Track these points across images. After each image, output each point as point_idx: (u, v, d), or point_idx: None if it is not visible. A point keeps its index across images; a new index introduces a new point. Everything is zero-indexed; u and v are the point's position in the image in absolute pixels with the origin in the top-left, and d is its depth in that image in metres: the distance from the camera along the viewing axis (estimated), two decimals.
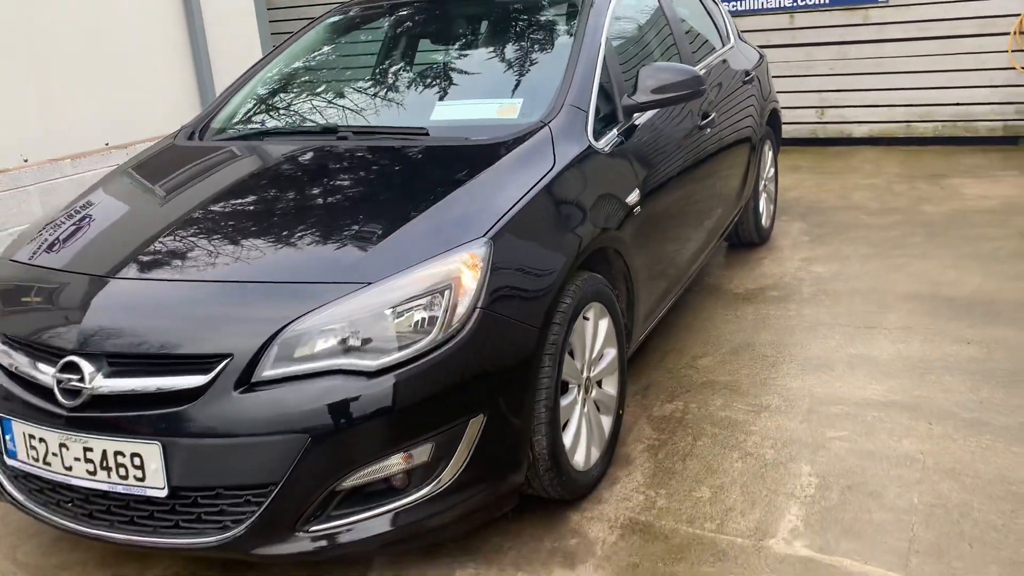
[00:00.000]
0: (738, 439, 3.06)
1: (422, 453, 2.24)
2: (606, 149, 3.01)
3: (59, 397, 2.25)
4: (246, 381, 2.14)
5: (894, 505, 2.61)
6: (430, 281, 2.24)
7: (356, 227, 2.46)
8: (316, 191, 2.75)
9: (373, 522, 2.24)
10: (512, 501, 2.50)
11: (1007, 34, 7.10)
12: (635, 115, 3.27)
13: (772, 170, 5.39)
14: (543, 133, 2.83)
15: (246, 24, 8.58)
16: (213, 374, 2.15)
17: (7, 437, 2.40)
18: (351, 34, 3.94)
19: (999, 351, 3.56)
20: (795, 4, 7.68)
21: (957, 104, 7.45)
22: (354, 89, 3.54)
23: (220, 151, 3.20)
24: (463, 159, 2.75)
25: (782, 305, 4.29)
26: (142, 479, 2.20)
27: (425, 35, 3.75)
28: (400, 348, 2.18)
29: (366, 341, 2.17)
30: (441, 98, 3.28)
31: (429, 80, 3.48)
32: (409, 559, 2.54)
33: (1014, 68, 7.16)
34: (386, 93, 3.45)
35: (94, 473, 2.24)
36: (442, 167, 2.74)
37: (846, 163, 7.28)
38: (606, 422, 2.88)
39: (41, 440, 2.31)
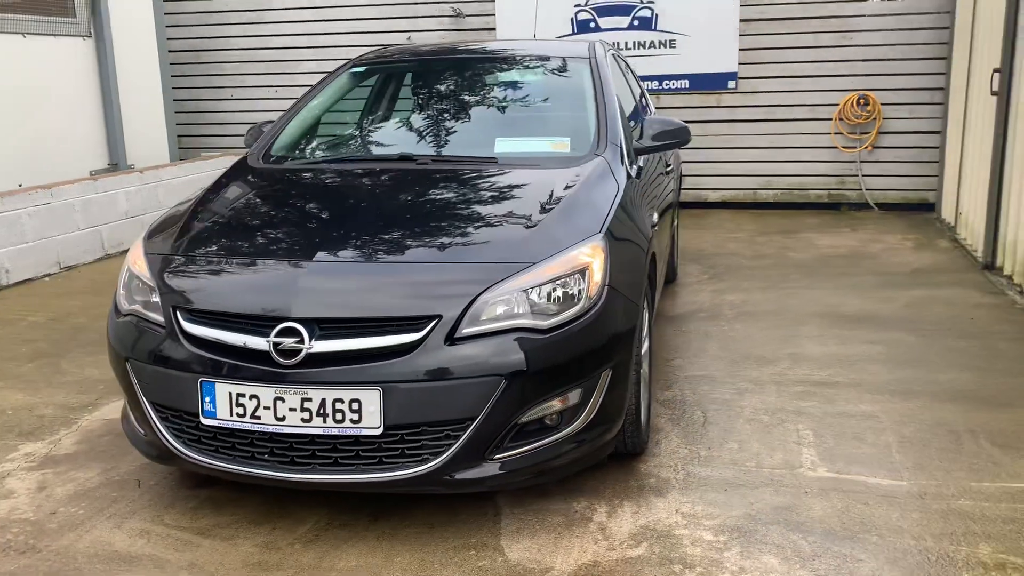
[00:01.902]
0: (736, 411, 3.86)
1: (573, 397, 2.85)
2: (635, 177, 3.79)
3: (276, 358, 2.68)
4: (451, 336, 2.68)
5: (875, 442, 3.49)
6: (571, 264, 2.89)
7: (506, 223, 3.07)
8: (447, 197, 3.34)
9: (535, 453, 2.81)
10: (610, 448, 3.13)
11: (830, 119, 8.71)
12: (640, 156, 4.10)
13: (677, 220, 6.42)
14: (600, 162, 3.57)
15: (151, 78, 8.78)
16: (425, 332, 2.68)
17: (206, 399, 2.75)
18: (376, 80, 4.52)
19: (897, 347, 4.64)
20: (661, 87, 8.96)
21: (792, 175, 8.96)
22: (407, 126, 4.13)
23: (323, 170, 3.70)
24: (552, 178, 3.42)
25: (715, 323, 5.21)
26: (358, 421, 2.65)
27: (447, 84, 4.40)
28: (559, 313, 2.80)
29: (535, 306, 2.78)
30: (491, 136, 3.95)
31: (470, 120, 4.14)
32: (528, 499, 3.10)
33: (836, 147, 8.77)
34: (439, 131, 4.06)
35: (309, 420, 2.67)
36: (541, 183, 3.39)
37: (708, 221, 8.53)
38: (644, 395, 3.59)
39: (252, 397, 2.70)
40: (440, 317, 2.70)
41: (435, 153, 3.75)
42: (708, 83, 8.88)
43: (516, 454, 2.78)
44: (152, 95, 8.99)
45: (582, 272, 2.89)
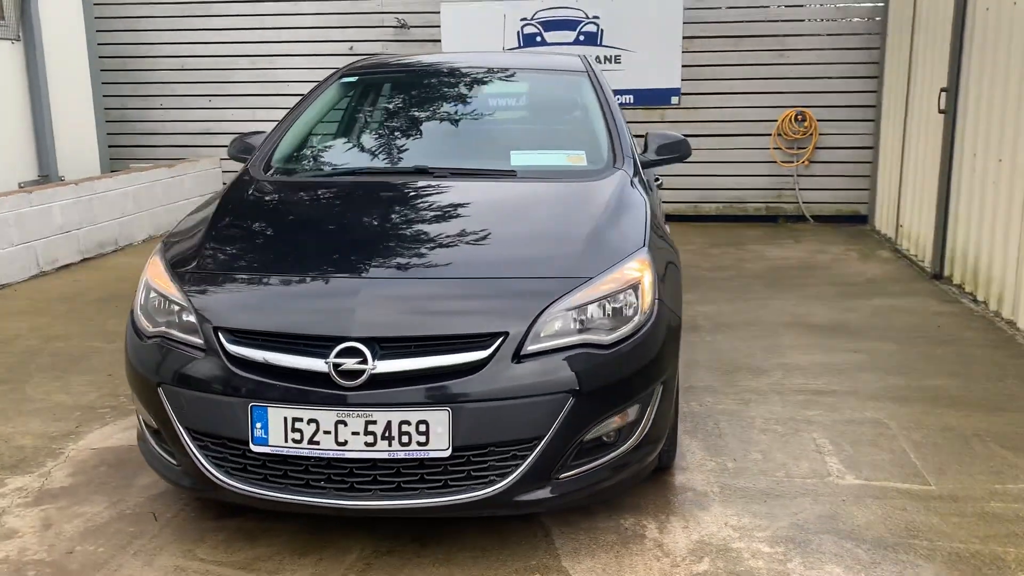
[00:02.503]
0: (747, 421, 3.91)
1: (632, 412, 2.82)
2: (652, 190, 3.80)
3: (337, 380, 2.55)
4: (517, 354, 2.62)
5: (891, 448, 3.59)
6: (624, 279, 2.87)
7: (552, 238, 3.02)
8: (482, 210, 3.26)
9: (594, 472, 2.76)
10: (653, 465, 3.11)
11: (769, 134, 8.99)
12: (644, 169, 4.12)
13: None
14: (622, 176, 3.56)
15: (81, 85, 8.38)
16: (492, 349, 2.60)
17: (257, 425, 2.60)
18: (369, 90, 4.40)
19: (878, 355, 4.79)
20: None
21: (733, 189, 9.20)
22: (412, 138, 4.03)
23: (339, 183, 3.57)
24: (582, 192, 3.39)
25: (696, 334, 5.27)
26: (425, 444, 2.55)
27: (447, 97, 4.32)
28: (617, 328, 2.77)
29: (594, 322, 2.74)
30: (501, 148, 3.89)
31: (476, 133, 4.07)
32: (573, 518, 3.05)
33: (774, 161, 9.05)
34: (446, 143, 3.98)
35: (373, 444, 2.55)
36: (573, 197, 3.35)
37: None
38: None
39: (311, 421, 2.56)
40: (507, 334, 2.63)
41: (449, 166, 3.66)
42: (652, 98, 9.04)
43: (577, 473, 2.73)
44: (82, 103, 8.56)
45: (634, 287, 2.87)
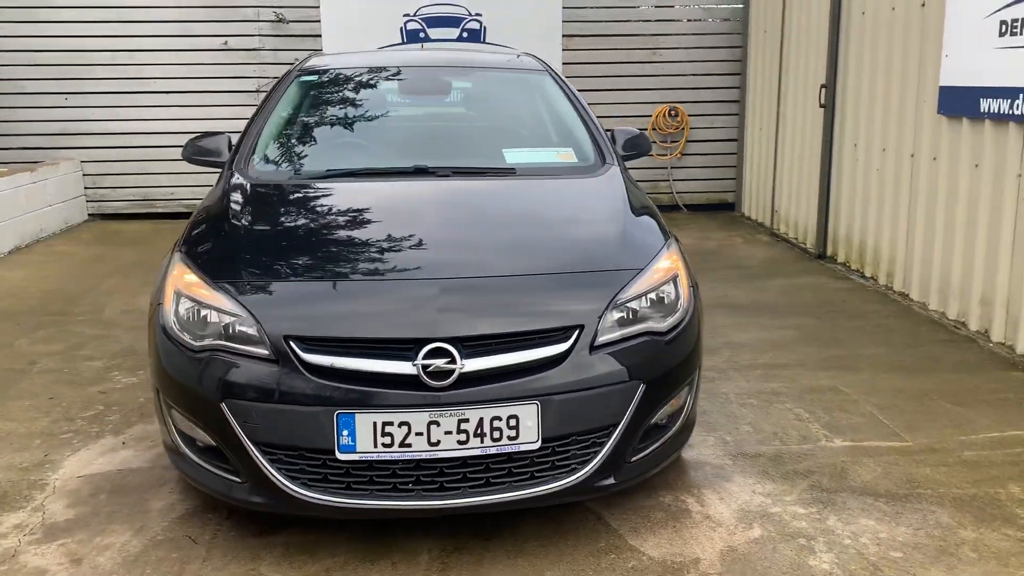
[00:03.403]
0: (722, 398, 4.19)
1: (681, 397, 2.99)
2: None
3: (427, 381, 2.55)
4: (592, 345, 2.72)
5: (860, 412, 3.97)
6: (667, 270, 3.03)
7: (591, 232, 3.14)
8: (511, 207, 3.32)
9: (652, 455, 2.92)
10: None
11: (645, 129, 9.45)
12: None
13: None
14: (616, 171, 3.73)
15: None
16: (571, 342, 2.69)
17: (344, 432, 2.55)
18: (342, 89, 4.31)
19: (808, 330, 5.24)
20: None
21: None
22: (394, 138, 4.00)
23: (346, 186, 3.50)
24: (591, 188, 3.52)
25: None
26: (515, 438, 2.60)
27: (415, 95, 4.31)
28: (667, 316, 2.93)
29: (649, 311, 2.89)
30: (485, 146, 3.95)
31: (458, 131, 4.10)
32: (613, 500, 3.18)
33: (650, 155, 9.51)
34: (430, 142, 3.98)
35: (466, 442, 2.57)
36: (587, 193, 3.47)
37: None
38: None
39: (402, 424, 2.55)
40: (582, 327, 2.73)
41: (447, 165, 3.67)
42: None
43: (642, 457, 2.88)
44: None
45: (675, 278, 3.04)
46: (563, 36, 9.18)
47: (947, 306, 5.36)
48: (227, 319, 2.72)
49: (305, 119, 4.08)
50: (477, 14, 9.03)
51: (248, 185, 3.47)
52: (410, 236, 3.06)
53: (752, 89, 8.98)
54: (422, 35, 9.03)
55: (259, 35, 8.98)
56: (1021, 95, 4.53)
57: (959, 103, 5.11)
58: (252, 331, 2.68)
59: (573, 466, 2.71)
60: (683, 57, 9.40)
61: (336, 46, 8.94)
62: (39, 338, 5.25)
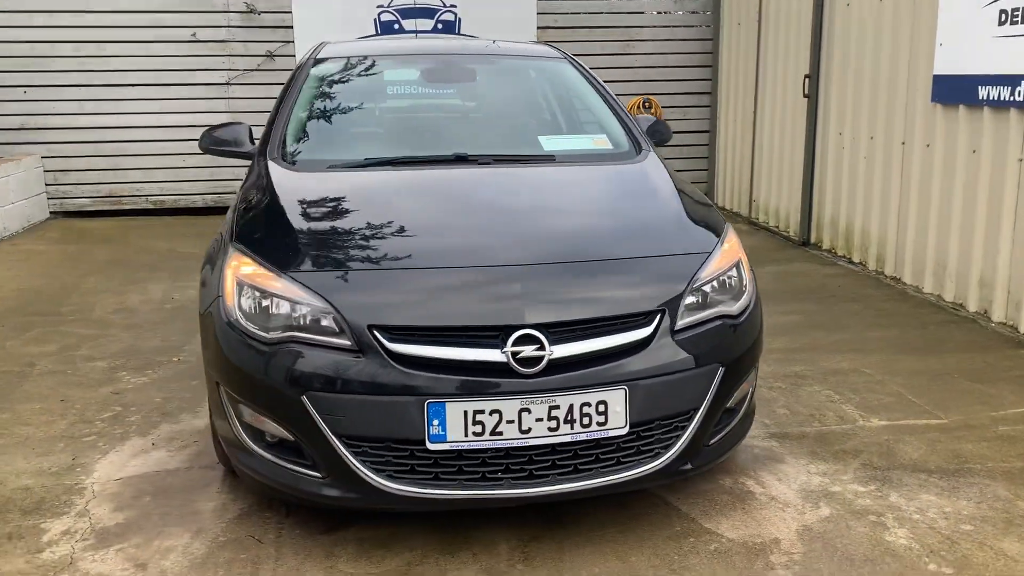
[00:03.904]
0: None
1: (750, 381, 3.01)
2: None
3: (517, 368, 2.51)
4: (673, 329, 2.71)
5: (887, 392, 4.05)
6: (731, 254, 3.03)
7: (656, 218, 3.13)
8: (571, 194, 3.30)
9: (726, 437, 2.93)
10: None
11: None
12: None
13: None
14: (654, 157, 3.72)
15: None
16: (654, 326, 2.68)
17: (434, 422, 2.50)
18: (362, 77, 4.21)
19: (812, 315, 5.33)
20: None
21: None
22: (427, 126, 3.93)
23: (395, 174, 3.42)
24: (637, 173, 3.51)
25: None
26: (604, 424, 2.58)
27: (440, 84, 4.24)
28: (736, 299, 2.94)
29: (720, 295, 2.89)
30: (520, 133, 3.91)
31: (489, 119, 4.05)
32: (678, 486, 3.17)
33: None
34: (463, 130, 3.92)
35: (556, 429, 2.54)
36: (632, 178, 3.47)
37: None
38: None
39: (493, 412, 2.50)
40: (664, 311, 2.72)
41: (487, 152, 3.62)
42: None
43: (717, 440, 2.88)
44: None
45: (738, 263, 3.05)
46: (537, 28, 9.16)
47: (943, 289, 5.51)
48: (303, 310, 2.64)
49: (332, 108, 3.97)
50: (452, 5, 8.95)
51: (292, 174, 3.37)
52: (475, 223, 3.01)
53: (725, 80, 9.09)
54: (396, 26, 8.92)
55: (228, 26, 8.75)
56: (1023, 82, 4.67)
57: (955, 91, 5.25)
58: (332, 322, 2.60)
59: (657, 451, 2.70)
60: (656, 49, 9.47)
61: (308, 38, 8.73)
62: (30, 339, 5.03)
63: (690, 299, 2.79)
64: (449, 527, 2.88)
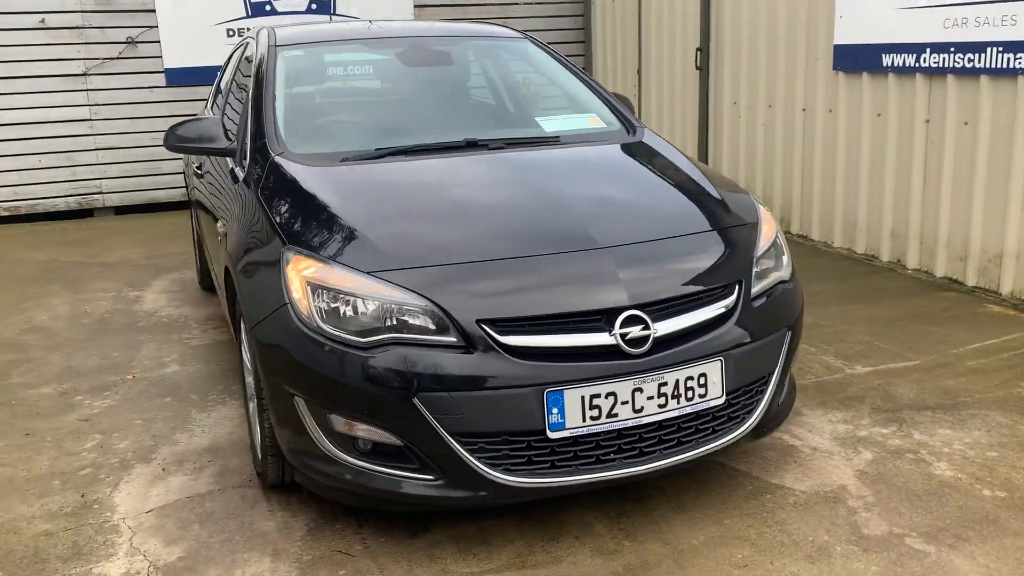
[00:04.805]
0: None
1: (797, 344, 3.17)
2: None
3: (627, 349, 2.54)
4: (749, 297, 2.82)
5: (856, 340, 4.38)
6: (770, 223, 3.17)
7: (692, 194, 3.20)
8: (603, 174, 3.33)
9: (787, 399, 3.07)
10: None
11: None
12: None
13: None
14: (650, 132, 3.81)
15: None
16: (735, 296, 2.78)
17: (553, 410, 2.48)
18: (320, 64, 4.02)
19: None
20: None
21: None
22: (419, 112, 3.81)
23: (422, 163, 3.31)
24: (649, 151, 3.58)
25: None
26: (704, 395, 2.66)
27: (413, 69, 4.11)
28: (785, 266, 3.09)
29: (772, 262, 3.03)
30: (522, 116, 3.89)
31: (476, 104, 3.98)
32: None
33: None
34: (457, 115, 3.84)
35: (665, 405, 2.60)
36: (648, 154, 3.53)
37: None
38: None
39: (609, 395, 2.52)
40: (742, 280, 2.82)
41: (495, 137, 3.57)
42: None
43: (782, 402, 3.02)
44: None
45: (777, 229, 3.20)
46: (415, 6, 9.01)
47: (854, 243, 5.99)
48: (400, 310, 2.53)
49: (318, 99, 3.78)
50: None
51: (315, 170, 3.18)
52: (536, 209, 2.97)
53: (600, 57, 9.33)
54: (268, 7, 8.50)
55: (82, 11, 8.00)
56: (928, 49, 5.14)
57: (858, 60, 5.69)
58: (435, 319, 2.51)
59: (742, 416, 2.81)
60: (532, 26, 9.55)
61: (173, 22, 8.21)
62: None
63: (757, 267, 2.91)
64: (533, 516, 2.87)
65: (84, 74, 8.09)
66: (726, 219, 3.06)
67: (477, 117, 3.91)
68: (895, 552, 2.62)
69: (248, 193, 3.26)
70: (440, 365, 2.48)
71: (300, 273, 2.67)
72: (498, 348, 2.49)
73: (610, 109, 3.96)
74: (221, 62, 8.40)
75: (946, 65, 5.05)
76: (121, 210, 8.54)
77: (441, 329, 2.51)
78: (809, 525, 2.78)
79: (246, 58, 4.30)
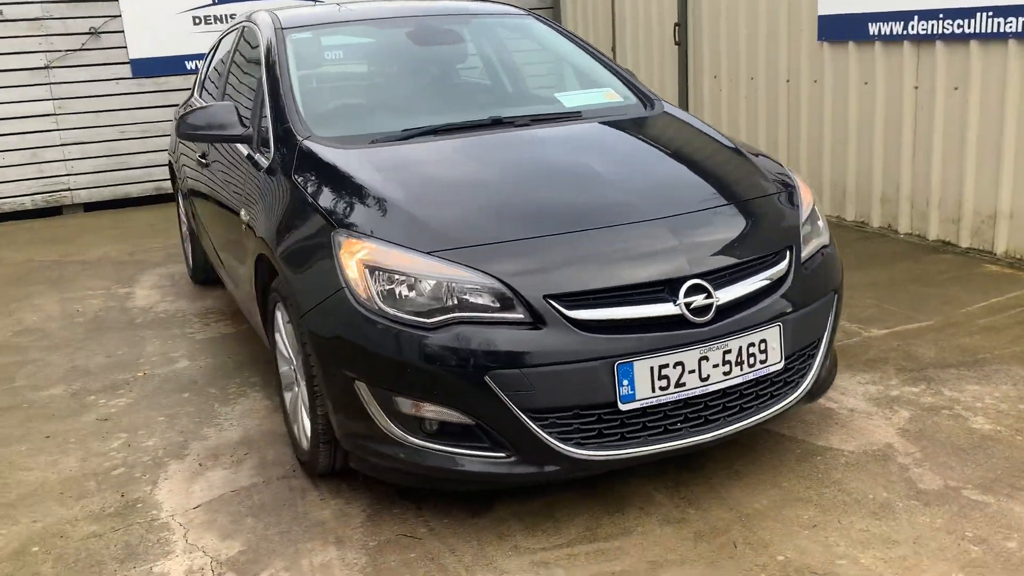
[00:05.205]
0: None
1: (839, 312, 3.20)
2: None
3: (691, 318, 2.55)
4: (800, 262, 2.86)
5: (865, 304, 4.46)
6: (805, 186, 3.21)
7: (731, 161, 3.22)
8: (637, 146, 3.35)
9: (832, 362, 3.10)
10: None
11: None
12: None
13: None
14: (668, 105, 3.82)
15: None
16: (786, 262, 2.81)
17: (624, 382, 2.48)
18: (340, 46, 3.94)
19: None
20: None
21: None
22: (437, 92, 3.76)
23: (456, 143, 3.26)
24: (674, 123, 3.59)
25: None
26: (765, 361, 2.69)
27: (421, 47, 4.04)
28: (823, 232, 3.11)
29: (811, 226, 3.06)
30: (539, 92, 3.86)
31: (491, 80, 3.94)
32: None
33: None
34: (486, 93, 3.81)
35: (729, 373, 2.62)
36: (674, 127, 3.54)
37: None
38: None
39: (677, 364, 2.53)
40: (792, 246, 2.85)
41: (520, 114, 3.54)
42: None
43: (828, 366, 3.05)
44: None
45: (812, 195, 3.24)
46: None
47: (843, 210, 6.09)
48: (465, 288, 2.50)
49: (333, 81, 3.71)
50: None
51: (352, 152, 3.12)
52: (580, 182, 2.95)
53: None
54: None
55: (41, 2, 7.72)
56: (916, 17, 5.23)
57: (844, 29, 5.77)
58: (501, 297, 2.49)
59: (796, 380, 2.85)
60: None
61: (136, 12, 8.00)
62: None
63: (803, 232, 2.94)
64: (592, 491, 2.88)
65: (46, 67, 7.82)
66: (769, 186, 3.08)
67: (495, 95, 3.88)
68: (955, 504, 2.69)
69: (279, 179, 3.19)
70: (511, 342, 2.46)
71: (355, 256, 2.62)
72: (567, 323, 2.48)
73: (623, 83, 3.95)
74: (188, 51, 8.31)
75: (935, 32, 5.14)
76: (91, 207, 8.31)
77: (506, 306, 2.49)
78: (866, 483, 2.84)
79: (247, 43, 4.20)
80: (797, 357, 2.83)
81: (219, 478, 3.18)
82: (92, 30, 7.90)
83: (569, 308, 2.50)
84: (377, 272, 2.57)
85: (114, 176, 8.28)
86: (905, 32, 5.32)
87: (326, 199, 2.90)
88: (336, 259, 2.66)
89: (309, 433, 2.97)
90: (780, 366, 2.73)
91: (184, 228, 5.81)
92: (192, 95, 5.48)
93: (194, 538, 2.80)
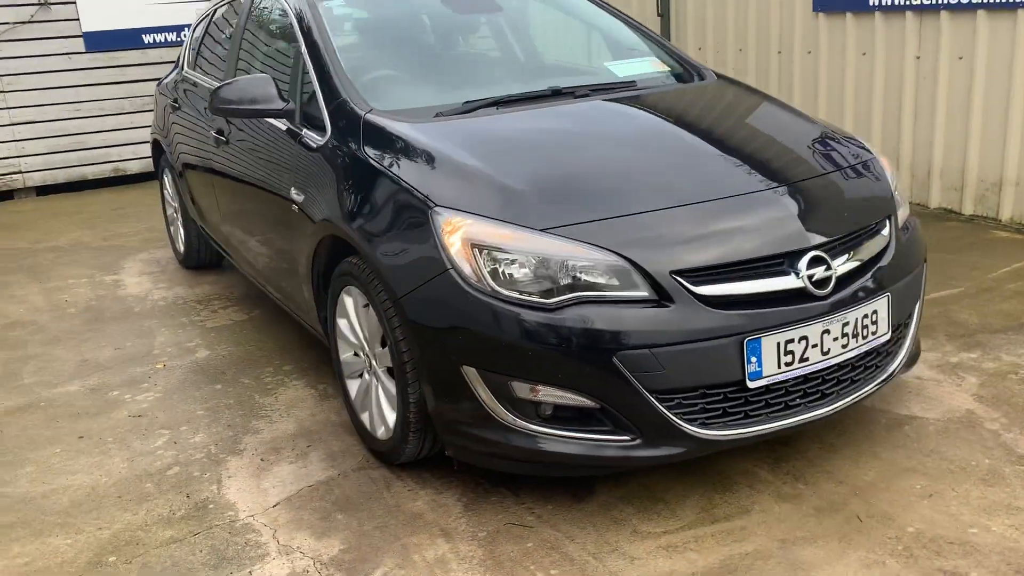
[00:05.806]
0: None
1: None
2: None
3: (813, 291, 2.50)
4: (899, 232, 2.83)
5: None
6: (885, 160, 3.18)
7: (809, 131, 3.17)
8: (712, 118, 3.25)
9: (916, 334, 3.10)
10: None
11: None
12: None
13: None
14: (716, 74, 3.75)
15: None
16: (887, 230, 2.78)
17: (752, 359, 2.41)
18: (380, 21, 3.74)
19: None
20: None
21: None
22: (489, 62, 3.61)
23: (531, 115, 3.13)
24: (733, 92, 3.52)
25: None
26: (876, 332, 2.66)
27: (464, 17, 3.88)
28: (904, 203, 3.09)
29: (901, 199, 3.04)
30: (587, 61, 3.75)
31: (536, 50, 3.81)
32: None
33: None
34: (535, 62, 3.67)
35: (847, 345, 2.58)
36: (734, 95, 3.48)
37: None
38: None
39: (801, 339, 2.48)
40: (890, 216, 2.82)
41: (575, 84, 3.41)
42: None
43: (915, 335, 3.04)
44: None
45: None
46: None
47: None
48: (586, 266, 2.39)
49: (374, 51, 3.51)
50: None
51: (424, 126, 2.96)
52: (676, 154, 2.86)
53: None
54: None
55: None
56: None
57: (841, 0, 5.79)
58: (618, 274, 2.38)
59: (895, 351, 2.83)
60: None
61: None
62: None
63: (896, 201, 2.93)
64: (692, 471, 2.81)
65: None
66: (856, 155, 3.04)
67: (546, 63, 3.74)
68: None
69: (344, 156, 3.00)
70: (640, 321, 2.36)
71: (459, 235, 2.48)
72: (695, 299, 2.40)
73: (665, 51, 3.86)
74: (145, 24, 7.86)
75: (939, 2, 5.20)
76: (44, 190, 7.83)
77: (628, 284, 2.39)
78: (964, 451, 2.85)
79: (272, 11, 3.94)
80: (897, 327, 2.81)
81: (288, 473, 3.00)
82: (42, 1, 7.40)
83: (695, 284, 2.41)
84: (486, 251, 2.44)
85: (68, 157, 7.81)
86: (907, 3, 5.37)
87: (412, 176, 2.74)
88: (438, 239, 2.51)
89: (392, 421, 2.83)
90: (888, 336, 2.70)
91: (171, 211, 5.50)
92: (180, 68, 5.16)
93: (285, 539, 2.63)
